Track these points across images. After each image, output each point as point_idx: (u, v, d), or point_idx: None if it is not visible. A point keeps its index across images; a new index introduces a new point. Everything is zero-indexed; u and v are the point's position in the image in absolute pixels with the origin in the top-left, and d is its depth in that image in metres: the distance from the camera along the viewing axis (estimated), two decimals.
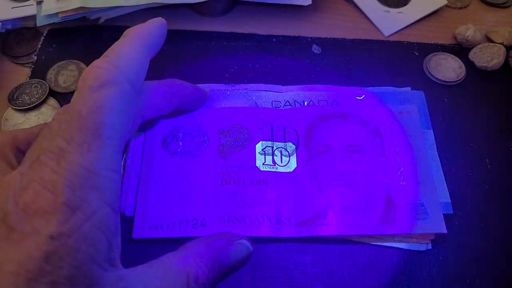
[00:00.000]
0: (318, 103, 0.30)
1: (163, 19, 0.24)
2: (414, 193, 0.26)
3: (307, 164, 0.27)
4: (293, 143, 0.28)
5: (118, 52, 0.21)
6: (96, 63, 0.20)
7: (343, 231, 0.25)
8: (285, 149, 0.28)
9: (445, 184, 0.27)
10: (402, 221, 0.25)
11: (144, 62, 0.22)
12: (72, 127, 0.18)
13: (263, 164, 0.28)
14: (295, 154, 0.28)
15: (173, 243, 0.26)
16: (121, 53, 0.21)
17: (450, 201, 0.27)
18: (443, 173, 0.28)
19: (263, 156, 0.28)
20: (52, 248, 0.16)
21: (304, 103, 0.30)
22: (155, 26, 0.24)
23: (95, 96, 0.18)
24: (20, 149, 0.22)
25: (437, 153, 0.29)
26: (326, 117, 0.29)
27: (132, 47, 0.21)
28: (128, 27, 0.40)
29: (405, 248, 0.26)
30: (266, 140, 0.28)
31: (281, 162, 0.28)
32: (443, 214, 0.26)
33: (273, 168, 0.27)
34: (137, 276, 0.19)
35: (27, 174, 0.18)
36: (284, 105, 0.31)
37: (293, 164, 0.28)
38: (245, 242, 0.24)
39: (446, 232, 0.25)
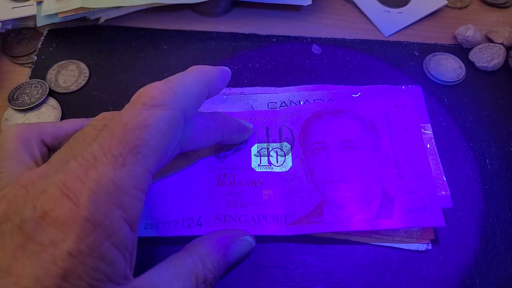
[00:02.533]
0: (314, 102, 0.30)
1: (229, 69, 0.24)
2: (411, 187, 0.26)
3: (302, 163, 0.27)
4: (288, 143, 0.28)
5: (179, 80, 0.20)
6: (155, 83, 0.19)
7: (339, 228, 0.25)
8: (280, 149, 0.28)
9: (444, 178, 0.27)
10: (399, 215, 0.25)
11: (200, 98, 0.21)
12: (114, 137, 0.17)
13: (258, 165, 0.28)
14: (290, 153, 0.28)
15: (168, 242, 0.26)
16: (182, 82, 0.20)
17: (449, 193, 0.27)
18: (443, 167, 0.28)
19: (259, 157, 0.28)
20: (70, 266, 0.15)
21: (300, 103, 0.30)
22: (220, 71, 0.23)
23: (145, 113, 0.18)
24: (45, 142, 0.22)
25: (436, 146, 0.29)
26: (321, 114, 0.29)
27: (194, 80, 0.21)
28: (128, 27, 0.40)
29: (405, 248, 0.26)
30: (262, 142, 0.29)
31: (277, 162, 0.28)
32: (443, 208, 0.26)
33: (269, 168, 0.28)
34: (148, 283, 0.19)
35: (50, 176, 0.17)
36: (280, 105, 0.31)
37: (288, 163, 0.28)
38: (248, 237, 0.24)
39: (444, 225, 0.25)
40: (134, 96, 0.19)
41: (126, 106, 0.19)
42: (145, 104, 0.18)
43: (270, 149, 0.28)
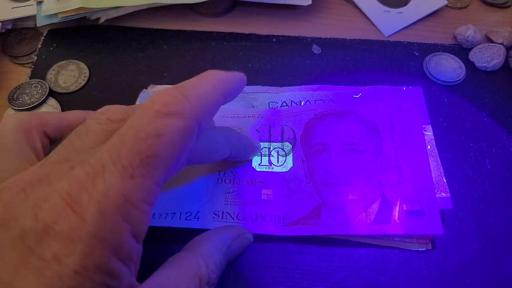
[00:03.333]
0: (315, 102, 0.30)
1: (244, 75, 0.23)
2: (411, 194, 0.26)
3: (303, 164, 0.27)
4: (290, 143, 0.28)
5: (194, 87, 0.19)
6: (169, 90, 0.18)
7: (336, 231, 0.25)
8: (282, 149, 0.28)
9: (445, 179, 0.27)
10: (397, 221, 0.25)
11: (215, 107, 0.20)
12: (124, 145, 0.16)
13: (259, 164, 0.28)
14: (291, 154, 0.28)
15: (167, 237, 0.26)
16: (197, 90, 0.18)
17: (450, 195, 0.27)
18: (443, 168, 0.28)
19: (260, 157, 0.28)
20: (76, 283, 0.15)
21: (300, 103, 0.30)
22: (236, 78, 0.22)
23: (159, 122, 0.17)
24: (47, 134, 0.21)
25: (436, 148, 0.29)
26: (324, 115, 0.29)
27: (210, 88, 0.19)
28: (128, 27, 0.40)
29: (405, 248, 0.26)
30: (263, 141, 0.29)
31: (278, 162, 0.28)
32: (443, 209, 0.26)
33: (269, 168, 0.28)
34: None
35: (53, 182, 0.16)
36: (281, 105, 0.31)
37: (289, 164, 0.28)
38: (248, 235, 0.24)
39: (442, 233, 0.25)
40: (146, 101, 0.18)
41: (138, 111, 0.17)
42: (158, 112, 0.17)
43: (271, 148, 0.28)
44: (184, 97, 0.18)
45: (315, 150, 0.28)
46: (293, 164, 0.28)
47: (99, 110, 0.19)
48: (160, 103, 0.17)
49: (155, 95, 0.18)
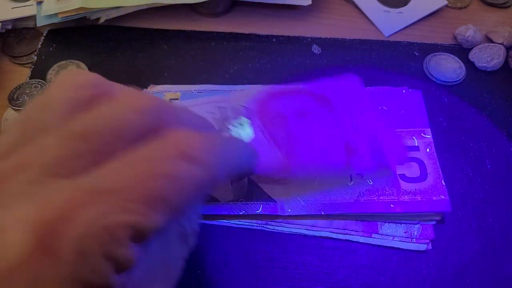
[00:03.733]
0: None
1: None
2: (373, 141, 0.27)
3: (264, 133, 0.27)
4: (245, 117, 0.28)
5: (224, 144, 0.17)
6: (200, 136, 0.16)
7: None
8: (239, 123, 0.28)
9: (443, 182, 0.27)
10: (363, 156, 0.26)
11: (228, 175, 0.18)
12: (135, 177, 0.14)
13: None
14: (250, 126, 0.28)
15: None
16: (226, 149, 0.17)
17: (448, 198, 0.27)
18: (442, 171, 0.28)
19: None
20: None
21: None
22: (257, 164, 0.20)
23: (179, 164, 0.15)
24: None
25: (435, 151, 0.29)
26: (277, 94, 0.29)
27: (236, 153, 0.18)
28: (128, 27, 0.40)
29: (405, 248, 0.26)
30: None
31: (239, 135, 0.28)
32: (441, 212, 0.26)
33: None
34: None
35: (10, 203, 0.12)
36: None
37: (249, 134, 0.28)
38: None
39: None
40: (172, 135, 0.16)
41: (158, 144, 0.15)
42: (183, 153, 0.15)
43: (228, 126, 0.28)
44: (214, 147, 0.16)
45: (273, 121, 0.28)
46: (254, 134, 0.27)
47: (63, 77, 0.16)
48: (187, 144, 0.15)
49: (183, 134, 0.16)
